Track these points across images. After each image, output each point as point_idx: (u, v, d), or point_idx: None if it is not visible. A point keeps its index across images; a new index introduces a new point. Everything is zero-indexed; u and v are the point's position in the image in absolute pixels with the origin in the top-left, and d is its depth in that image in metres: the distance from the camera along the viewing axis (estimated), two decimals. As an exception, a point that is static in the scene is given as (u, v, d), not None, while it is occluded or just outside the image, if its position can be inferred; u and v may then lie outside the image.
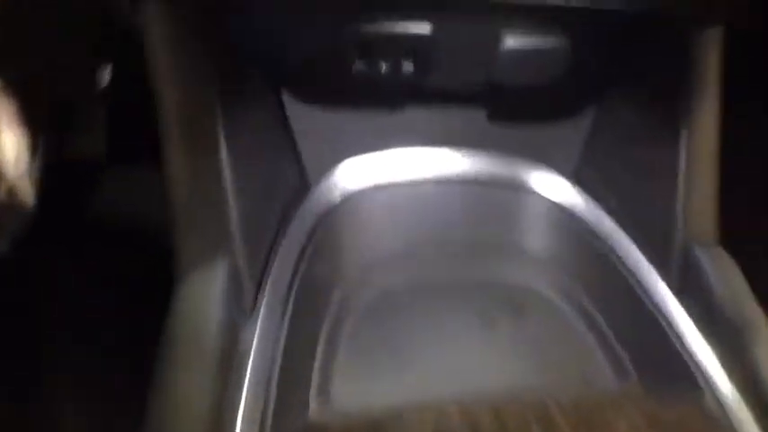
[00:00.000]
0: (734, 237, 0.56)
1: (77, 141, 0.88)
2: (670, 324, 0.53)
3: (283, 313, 0.48)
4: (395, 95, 0.62)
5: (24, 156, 0.71)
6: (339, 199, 0.60)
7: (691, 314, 0.53)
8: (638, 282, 0.56)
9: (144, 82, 0.47)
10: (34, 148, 0.73)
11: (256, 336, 0.45)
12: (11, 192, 0.70)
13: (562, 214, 0.64)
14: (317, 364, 0.50)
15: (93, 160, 0.89)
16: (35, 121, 0.73)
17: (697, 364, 0.50)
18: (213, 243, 0.46)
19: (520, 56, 0.53)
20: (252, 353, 0.44)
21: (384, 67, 0.54)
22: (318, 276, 0.55)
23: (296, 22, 0.52)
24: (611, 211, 0.61)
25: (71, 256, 0.84)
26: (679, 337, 0.52)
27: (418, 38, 0.52)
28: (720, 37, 0.54)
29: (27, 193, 0.72)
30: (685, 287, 0.54)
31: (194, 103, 0.47)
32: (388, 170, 0.63)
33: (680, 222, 0.55)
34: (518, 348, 0.55)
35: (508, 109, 0.64)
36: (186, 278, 0.44)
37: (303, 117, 0.60)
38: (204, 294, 0.43)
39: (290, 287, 0.50)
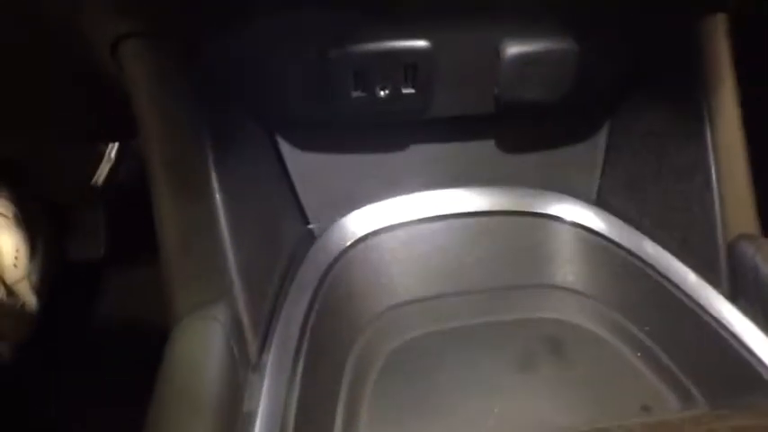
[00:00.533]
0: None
1: (78, 243, 0.87)
2: (729, 331, 0.47)
3: (294, 369, 0.43)
4: (399, 133, 0.58)
5: (23, 259, 0.70)
6: (348, 243, 0.56)
7: (751, 317, 0.47)
8: (685, 294, 0.51)
9: (143, 181, 0.44)
10: (33, 251, 0.72)
11: (263, 394, 0.40)
12: (10, 296, 0.67)
13: (589, 238, 0.59)
14: (337, 427, 0.45)
15: (93, 261, 0.87)
16: (32, 224, 0.72)
17: None
18: (210, 291, 0.42)
19: (525, 66, 0.50)
20: (259, 413, 0.39)
21: (383, 93, 0.50)
22: (333, 327, 0.49)
23: (282, 53, 0.48)
24: (641, 226, 0.57)
25: (72, 360, 0.81)
26: (742, 344, 0.46)
27: (416, 52, 0.48)
28: (726, 23, 0.52)
29: (27, 296, 0.70)
30: (737, 288, 0.49)
31: (183, 148, 0.44)
32: (398, 213, 0.59)
33: (720, 219, 0.50)
34: (566, 387, 0.50)
35: (518, 135, 0.61)
36: (180, 330, 0.40)
37: (303, 164, 0.57)
38: (201, 347, 0.38)
39: (300, 340, 0.45)
